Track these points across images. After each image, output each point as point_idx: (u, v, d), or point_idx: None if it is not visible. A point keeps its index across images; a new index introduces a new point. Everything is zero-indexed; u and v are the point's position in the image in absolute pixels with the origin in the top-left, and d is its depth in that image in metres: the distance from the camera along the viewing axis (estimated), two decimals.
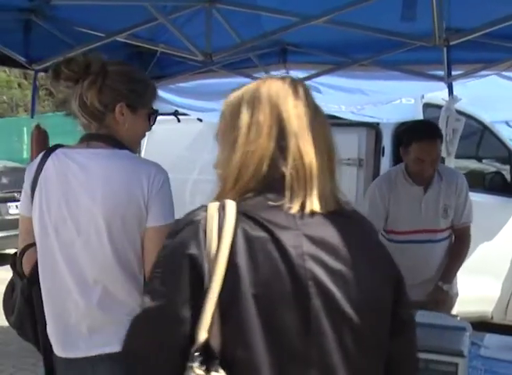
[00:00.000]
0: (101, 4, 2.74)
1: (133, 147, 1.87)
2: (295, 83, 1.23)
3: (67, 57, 1.81)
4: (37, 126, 3.68)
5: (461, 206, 3.07)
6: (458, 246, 3.14)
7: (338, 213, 1.17)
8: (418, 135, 2.93)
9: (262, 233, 1.10)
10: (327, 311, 1.09)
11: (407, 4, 1.63)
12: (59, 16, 2.97)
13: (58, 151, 1.80)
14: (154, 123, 1.92)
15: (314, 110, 1.22)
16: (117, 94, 1.77)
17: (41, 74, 3.60)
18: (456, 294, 3.21)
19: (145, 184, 1.69)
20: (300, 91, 1.22)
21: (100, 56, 1.82)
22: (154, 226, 1.71)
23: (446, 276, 3.04)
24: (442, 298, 2.99)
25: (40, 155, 1.82)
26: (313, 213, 1.13)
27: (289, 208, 1.13)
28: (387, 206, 3.04)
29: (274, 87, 1.21)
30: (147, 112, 1.87)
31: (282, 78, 1.24)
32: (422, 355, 1.96)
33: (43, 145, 3.76)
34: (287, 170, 1.14)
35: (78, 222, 1.71)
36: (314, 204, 1.14)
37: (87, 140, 1.80)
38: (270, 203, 1.13)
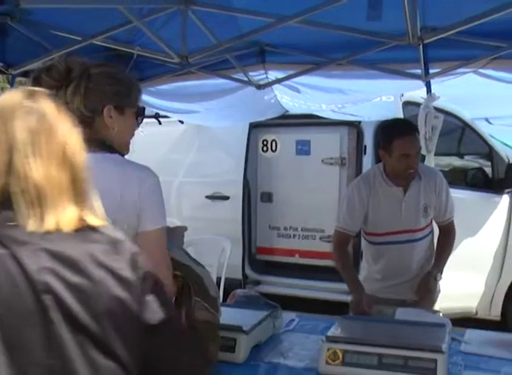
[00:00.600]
0: (76, 7, 2.71)
1: (124, 148, 1.86)
2: (36, 96, 1.19)
3: (47, 64, 1.78)
4: None
5: (443, 204, 3.10)
6: (444, 239, 3.19)
7: (82, 230, 1.17)
8: (400, 131, 2.96)
9: (0, 250, 1.10)
10: (67, 323, 1.11)
11: (372, 5, 1.64)
12: (35, 19, 2.96)
13: None
14: (142, 121, 1.92)
15: (55, 125, 1.18)
16: (103, 98, 1.75)
17: (23, 79, 3.57)
18: (439, 291, 3.24)
19: (136, 189, 1.69)
20: (41, 104, 1.18)
21: (80, 60, 1.80)
22: (147, 230, 1.71)
23: (437, 265, 3.09)
24: (430, 287, 3.02)
25: None
26: (54, 230, 1.14)
27: (26, 225, 1.12)
28: (366, 209, 3.05)
29: (9, 99, 1.18)
30: (134, 110, 1.86)
31: (24, 90, 1.21)
32: (402, 352, 2.01)
33: None
34: (15, 188, 1.13)
35: None
36: (49, 222, 1.13)
37: None
38: (7, 222, 1.13)
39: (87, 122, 1.75)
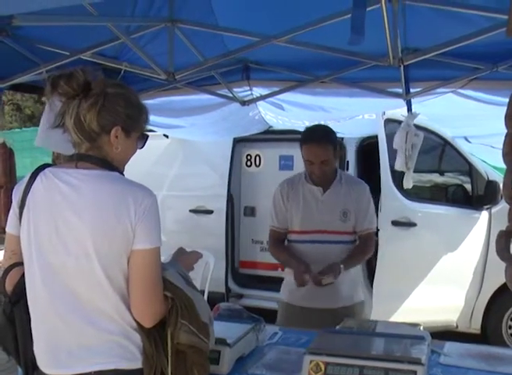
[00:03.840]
0: (66, 25, 2.75)
1: (121, 168, 1.88)
2: None
3: (67, 72, 1.79)
4: (2, 144, 3.68)
5: (362, 213, 3.10)
6: (359, 246, 3.15)
7: None
8: (307, 138, 3.06)
9: None
10: None
11: (355, 30, 1.69)
12: (23, 34, 2.98)
13: (47, 170, 1.80)
14: (142, 146, 1.94)
15: None
16: (115, 118, 1.78)
17: (11, 92, 3.60)
18: (362, 303, 3.24)
19: (132, 208, 1.71)
20: None
21: (100, 76, 1.84)
22: (140, 249, 1.73)
23: (342, 261, 3.01)
24: (334, 270, 2.93)
25: (29, 174, 1.82)
26: None
27: None
28: (287, 205, 3.15)
29: None
30: (139, 135, 1.89)
31: None
32: (382, 364, 2.03)
33: (8, 162, 3.76)
34: None
35: (66, 243, 1.72)
36: None
37: (76, 160, 1.80)
38: None
39: (92, 137, 1.78)
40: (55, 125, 1.83)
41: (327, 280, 2.90)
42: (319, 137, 3.03)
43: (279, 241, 3.23)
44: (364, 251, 3.17)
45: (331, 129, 3.17)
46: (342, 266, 2.95)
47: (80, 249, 1.72)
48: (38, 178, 1.79)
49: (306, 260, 3.03)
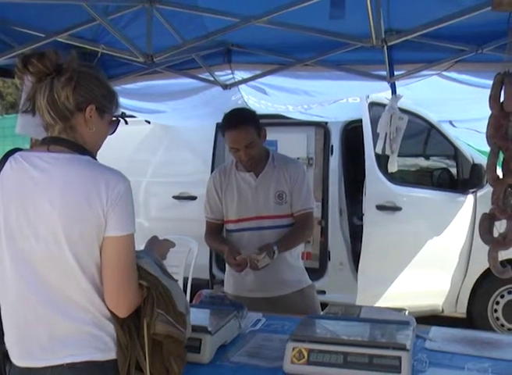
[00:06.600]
0: (39, 3, 2.67)
1: (94, 152, 1.85)
2: None
3: (39, 51, 1.76)
4: None
5: (296, 194, 3.03)
6: (296, 228, 3.05)
7: None
8: (226, 125, 2.98)
9: None
10: None
11: (334, 3, 1.65)
12: None
13: (17, 154, 1.76)
14: (114, 132, 1.92)
15: None
16: (90, 96, 1.75)
17: None
18: (312, 286, 3.18)
19: (104, 194, 1.67)
20: None
21: (73, 54, 1.79)
22: (112, 236, 1.69)
23: (276, 242, 2.94)
24: (268, 249, 2.86)
25: None
26: None
27: None
28: (221, 196, 3.10)
29: None
30: (111, 119, 1.87)
31: None
32: (367, 351, 2.02)
33: None
34: None
35: (36, 228, 1.68)
36: None
37: (48, 143, 1.76)
38: None
39: (66, 116, 1.74)
40: (23, 110, 1.80)
41: (262, 262, 2.83)
42: (238, 122, 2.94)
43: (215, 230, 3.18)
44: (300, 232, 3.07)
45: (250, 111, 3.10)
46: (276, 246, 2.88)
47: (50, 235, 1.67)
48: (7, 163, 1.74)
49: (244, 248, 2.95)
